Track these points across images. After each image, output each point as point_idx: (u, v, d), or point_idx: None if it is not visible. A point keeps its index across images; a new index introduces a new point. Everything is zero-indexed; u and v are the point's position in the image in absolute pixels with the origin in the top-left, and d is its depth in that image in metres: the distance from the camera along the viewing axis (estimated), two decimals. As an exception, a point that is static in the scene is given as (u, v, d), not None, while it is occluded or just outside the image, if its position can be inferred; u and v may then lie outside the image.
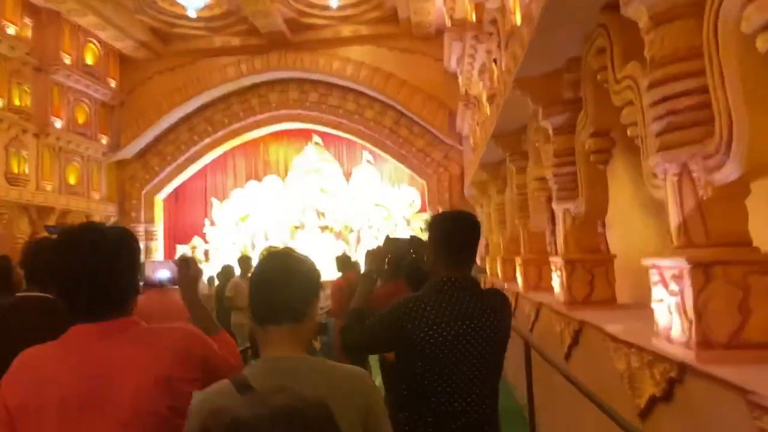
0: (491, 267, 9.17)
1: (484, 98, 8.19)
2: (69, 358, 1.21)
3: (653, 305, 2.35)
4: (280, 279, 1.31)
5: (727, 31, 1.89)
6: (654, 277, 2.35)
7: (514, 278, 6.87)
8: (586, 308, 3.71)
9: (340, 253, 7.67)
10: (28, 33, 11.42)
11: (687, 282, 2.05)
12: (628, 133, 2.86)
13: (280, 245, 15.34)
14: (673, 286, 2.17)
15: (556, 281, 4.17)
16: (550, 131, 4.19)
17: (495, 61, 6.74)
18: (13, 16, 10.65)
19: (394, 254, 2.96)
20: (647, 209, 4.00)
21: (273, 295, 1.30)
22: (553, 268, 4.12)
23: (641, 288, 3.93)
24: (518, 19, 4.86)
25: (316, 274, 1.38)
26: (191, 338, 1.34)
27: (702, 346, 2.00)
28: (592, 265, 3.81)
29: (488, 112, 7.72)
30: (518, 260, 6.19)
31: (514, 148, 6.32)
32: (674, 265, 2.13)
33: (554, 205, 4.20)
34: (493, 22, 6.74)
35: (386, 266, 3.09)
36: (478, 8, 7.05)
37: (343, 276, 6.16)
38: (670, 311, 2.22)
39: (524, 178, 6.14)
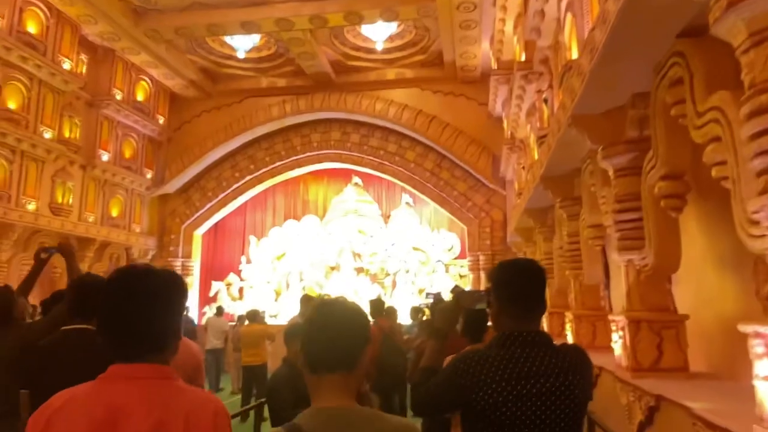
0: None
1: (532, 140, 7.93)
2: (89, 401, 1.22)
3: (756, 383, 1.95)
4: (335, 327, 1.34)
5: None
6: (758, 347, 1.94)
7: (562, 334, 6.43)
8: (655, 376, 3.30)
9: (374, 297, 7.30)
10: (83, 68, 11.86)
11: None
12: (713, 173, 2.48)
13: (315, 286, 15.27)
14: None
15: (618, 342, 3.76)
16: (611, 173, 3.88)
17: (545, 101, 6.46)
18: (69, 51, 11.08)
19: (467, 311, 2.85)
20: (724, 264, 3.55)
21: (329, 343, 1.33)
22: (613, 327, 3.77)
23: (716, 355, 3.54)
24: (574, 53, 4.54)
25: (367, 322, 1.42)
26: (214, 415, 1.26)
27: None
28: (661, 327, 3.45)
29: (536, 155, 7.45)
30: (569, 315, 5.75)
31: (565, 193, 5.96)
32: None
33: (615, 255, 3.82)
34: (544, 61, 6.50)
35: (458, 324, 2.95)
36: (528, 47, 6.80)
37: (375, 322, 5.79)
38: (783, 393, 1.82)
39: (576, 225, 5.77)
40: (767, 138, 1.88)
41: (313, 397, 1.34)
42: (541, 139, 6.12)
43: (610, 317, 3.96)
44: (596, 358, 4.28)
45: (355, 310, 1.41)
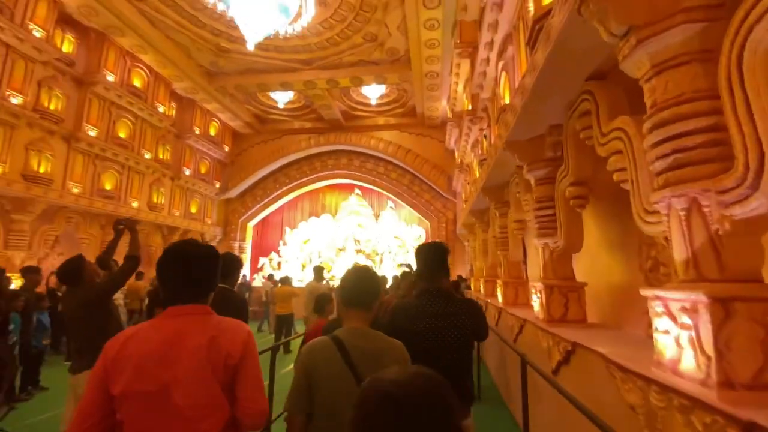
0: (475, 285, 8.35)
1: (475, 164, 7.59)
2: (159, 327, 1.17)
3: (656, 335, 1.57)
4: (363, 282, 1.48)
5: (756, 61, 1.33)
6: (657, 308, 1.56)
7: (494, 295, 6.16)
8: (564, 326, 2.98)
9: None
10: (173, 112, 11.34)
11: (705, 317, 1.35)
12: (615, 177, 2.17)
13: (329, 261, 14.84)
14: (685, 320, 1.41)
15: (536, 302, 3.40)
16: (533, 182, 3.52)
17: (485, 136, 6.12)
18: (163, 100, 10.58)
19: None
20: (612, 247, 3.24)
21: (359, 291, 1.46)
22: (532, 290, 3.40)
23: (605, 312, 3.19)
24: (507, 100, 4.23)
25: (379, 281, 1.52)
26: (247, 335, 1.22)
27: (724, 386, 1.24)
28: (567, 290, 3.12)
29: (477, 174, 7.12)
30: (499, 282, 5.40)
31: (498, 198, 5.62)
32: (686, 298, 1.42)
33: (535, 241, 3.47)
34: (485, 109, 6.17)
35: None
36: (474, 99, 6.49)
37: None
38: (679, 344, 1.44)
39: (505, 221, 5.43)
40: (665, 145, 1.58)
41: (346, 321, 1.45)
42: (482, 162, 5.81)
43: (531, 284, 3.62)
44: (519, 312, 4.01)
45: (374, 273, 1.53)
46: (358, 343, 1.39)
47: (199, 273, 1.22)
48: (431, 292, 1.77)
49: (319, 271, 6.51)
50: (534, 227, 3.53)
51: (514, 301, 5.02)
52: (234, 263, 2.47)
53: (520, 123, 3.31)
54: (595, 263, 3.45)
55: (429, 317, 1.69)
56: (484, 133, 6.01)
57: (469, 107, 6.73)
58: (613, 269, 3.20)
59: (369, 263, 13.77)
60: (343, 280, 1.51)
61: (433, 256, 1.83)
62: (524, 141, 3.56)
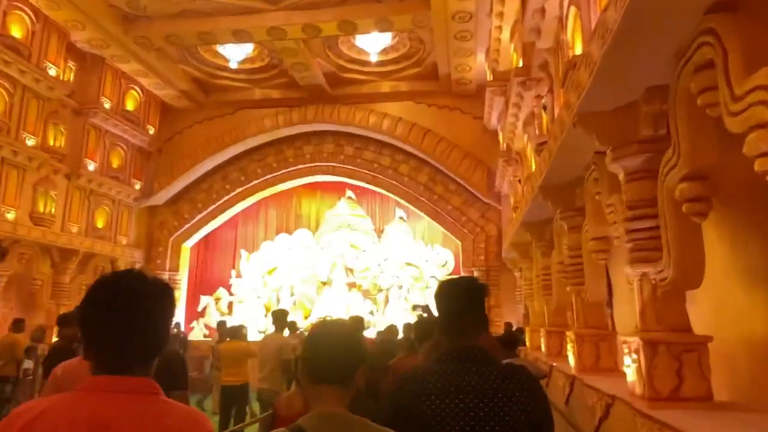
0: (531, 339, 8.27)
1: (529, 151, 7.57)
2: (74, 408, 1.15)
3: None
4: (338, 346, 1.53)
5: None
6: None
7: (562, 355, 6.11)
8: (675, 406, 2.91)
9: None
10: (70, 76, 11.45)
11: None
12: (757, 166, 2.09)
13: (306, 302, 14.81)
14: None
15: (631, 367, 3.31)
16: (622, 177, 3.47)
17: (544, 107, 6.06)
18: (56, 58, 10.67)
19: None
20: (752, 278, 3.17)
21: (330, 361, 1.52)
22: (625, 349, 3.33)
23: (742, 383, 3.25)
24: (578, 50, 4.13)
25: (363, 345, 1.61)
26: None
27: None
28: (681, 350, 3.03)
29: (533, 165, 7.06)
30: (570, 335, 5.31)
31: (565, 203, 5.54)
32: None
33: (627, 269, 3.40)
34: (544, 66, 6.12)
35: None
36: (527, 52, 6.44)
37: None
38: None
39: (578, 238, 5.38)
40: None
41: (312, 404, 1.51)
42: (540, 146, 5.73)
43: (621, 338, 3.50)
44: (604, 384, 3.93)
45: (353, 333, 1.59)
46: None
47: (147, 323, 1.20)
48: (460, 354, 1.73)
49: (280, 317, 6.41)
50: (625, 248, 3.44)
51: (595, 365, 4.92)
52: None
53: (599, 83, 3.21)
54: (724, 305, 3.39)
55: (455, 395, 1.65)
56: (543, 102, 5.96)
57: (520, 63, 6.70)
58: (755, 314, 3.12)
59: (367, 305, 14.10)
60: (309, 342, 1.56)
61: (463, 297, 1.82)
62: (607, 112, 3.46)
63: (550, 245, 7.05)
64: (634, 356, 3.18)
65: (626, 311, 5.61)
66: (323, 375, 1.51)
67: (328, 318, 2.01)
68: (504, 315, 12.06)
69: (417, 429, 1.61)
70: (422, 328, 3.86)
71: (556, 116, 4.78)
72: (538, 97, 6.24)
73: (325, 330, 1.58)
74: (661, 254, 3.14)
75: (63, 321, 4.39)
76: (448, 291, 1.85)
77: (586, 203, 4.93)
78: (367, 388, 2.83)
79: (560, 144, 4.36)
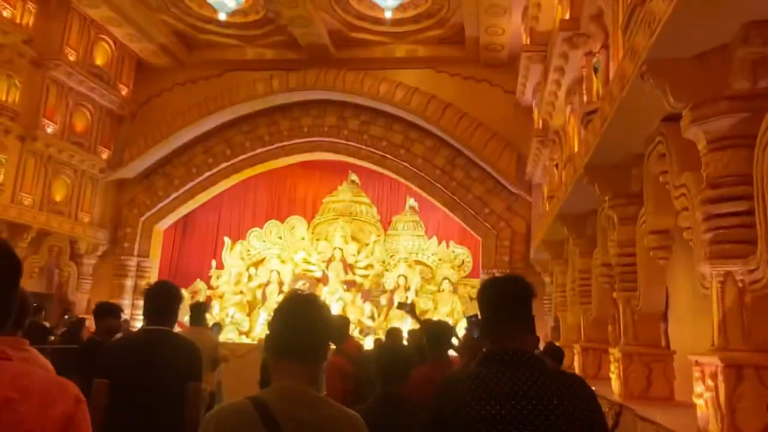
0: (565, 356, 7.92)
1: (572, 127, 7.18)
2: None
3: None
4: (302, 317, 1.73)
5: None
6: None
7: (602, 377, 6.05)
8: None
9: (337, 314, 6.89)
10: (30, 20, 11.11)
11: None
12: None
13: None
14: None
15: (706, 396, 3.10)
16: (702, 145, 3.17)
17: (596, 69, 5.60)
18: (12, -4, 10.36)
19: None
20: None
21: (295, 331, 1.71)
22: (696, 373, 3.09)
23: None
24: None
25: (331, 322, 1.89)
26: (66, 415, 1.27)
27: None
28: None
29: (576, 145, 6.67)
30: (615, 353, 5.01)
31: (617, 188, 5.18)
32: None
33: (704, 267, 3.09)
34: (597, 16, 5.65)
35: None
36: (575, 1, 5.98)
37: (338, 351, 4.87)
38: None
39: (631, 232, 5.04)
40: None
41: (275, 378, 1.71)
42: (588, 116, 5.30)
43: (692, 358, 3.07)
44: (661, 416, 3.52)
45: (319, 306, 1.81)
46: (294, 412, 1.60)
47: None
48: (507, 357, 1.83)
49: (197, 310, 5.97)
50: (702, 240, 3.07)
51: (645, 391, 4.62)
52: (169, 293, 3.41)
53: (682, 16, 2.75)
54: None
55: (506, 400, 1.74)
56: (595, 61, 5.49)
57: (567, 16, 6.23)
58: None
59: (367, 308, 13.81)
60: (274, 316, 1.76)
61: (509, 297, 1.94)
62: (687, 59, 3.06)
63: (591, 243, 6.77)
64: (710, 383, 2.85)
65: (686, 327, 5.30)
66: (287, 349, 1.68)
67: (294, 291, 2.05)
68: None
69: None
70: (436, 334, 3.99)
71: (613, 75, 4.34)
72: (589, 54, 5.76)
73: (291, 305, 1.77)
74: (755, 248, 2.74)
75: None
76: (493, 290, 1.98)
77: (646, 187, 4.59)
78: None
79: (618, 106, 3.91)
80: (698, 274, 3.17)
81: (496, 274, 11.85)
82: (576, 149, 6.69)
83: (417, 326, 6.31)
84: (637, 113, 3.90)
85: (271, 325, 1.74)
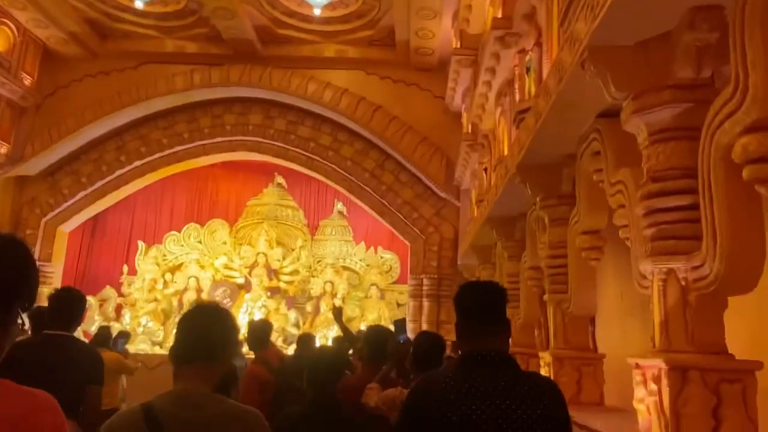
0: None
1: (502, 129, 7.18)
2: None
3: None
4: (200, 325, 1.89)
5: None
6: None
7: None
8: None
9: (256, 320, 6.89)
10: None
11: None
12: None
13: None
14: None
15: (647, 402, 2.94)
16: (643, 137, 3.09)
17: (528, 68, 5.53)
18: None
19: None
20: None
21: (196, 341, 1.87)
22: (637, 377, 3.02)
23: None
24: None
25: (233, 324, 1.99)
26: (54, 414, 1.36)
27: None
28: (719, 379, 2.72)
29: (506, 148, 6.66)
30: (545, 357, 5.03)
31: (549, 189, 5.12)
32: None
33: (644, 265, 3.00)
34: (529, 15, 5.60)
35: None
36: (507, 2, 5.92)
37: (258, 359, 4.77)
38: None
39: (562, 233, 5.01)
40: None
41: (175, 381, 1.84)
42: (521, 115, 5.21)
43: (631, 361, 2.94)
44: (598, 421, 3.41)
45: (220, 314, 1.96)
46: (179, 413, 1.72)
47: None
48: (482, 357, 1.93)
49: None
50: (643, 237, 2.96)
51: (575, 396, 4.55)
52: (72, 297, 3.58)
53: (623, 3, 2.58)
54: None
55: (482, 399, 1.81)
56: (528, 59, 5.41)
57: (499, 14, 6.16)
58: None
59: (291, 315, 13.56)
60: (178, 326, 1.95)
61: (486, 300, 2.07)
62: (629, 47, 2.95)
63: (520, 246, 6.79)
64: (653, 386, 2.71)
65: (615, 330, 5.30)
66: (185, 356, 1.81)
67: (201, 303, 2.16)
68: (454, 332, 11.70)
69: None
70: (378, 340, 4.06)
71: (549, 69, 4.24)
72: (522, 52, 5.72)
73: (190, 315, 1.94)
74: (699, 243, 2.65)
75: None
76: (471, 293, 2.12)
77: (578, 186, 4.56)
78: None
79: (554, 100, 3.77)
80: (636, 273, 3.06)
81: (424, 280, 12.14)
82: (506, 152, 6.66)
83: (342, 333, 6.16)
84: (574, 108, 3.79)
85: (177, 332, 1.92)
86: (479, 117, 8.53)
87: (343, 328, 5.94)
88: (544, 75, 4.75)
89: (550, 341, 5.09)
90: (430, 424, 1.79)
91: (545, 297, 5.13)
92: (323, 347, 4.41)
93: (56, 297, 3.48)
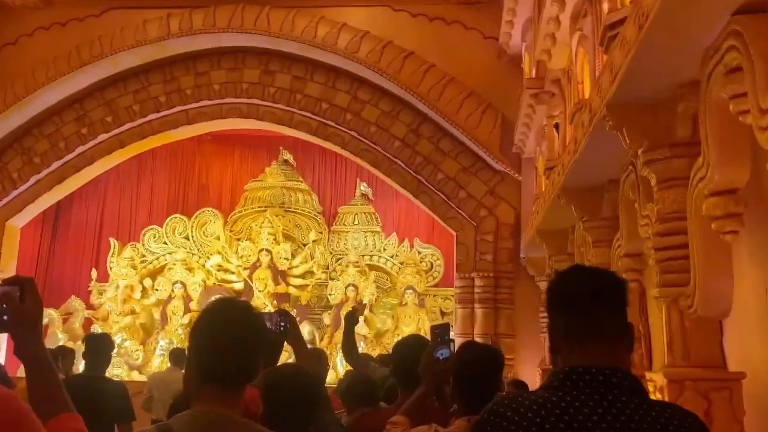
0: None
1: (580, 63, 6.96)
2: None
3: None
4: (229, 335, 1.97)
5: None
6: None
7: None
8: None
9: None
10: None
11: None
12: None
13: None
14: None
15: None
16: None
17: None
18: None
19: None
20: None
21: (226, 357, 1.96)
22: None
23: None
24: None
25: (265, 331, 2.16)
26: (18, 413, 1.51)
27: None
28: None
29: (586, 90, 6.58)
30: (658, 379, 4.71)
31: (656, 137, 4.68)
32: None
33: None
34: None
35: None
36: None
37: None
38: None
39: (680, 196, 4.61)
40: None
41: (195, 402, 1.97)
42: (611, 31, 4.97)
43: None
44: None
45: (251, 316, 2.09)
46: None
47: None
48: (591, 377, 1.80)
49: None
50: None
51: None
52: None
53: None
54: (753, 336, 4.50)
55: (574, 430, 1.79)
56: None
57: None
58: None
59: (304, 329, 13.55)
60: (197, 328, 2.04)
61: (595, 295, 1.91)
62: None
63: (610, 226, 6.73)
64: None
65: (754, 339, 5.07)
66: (214, 376, 1.94)
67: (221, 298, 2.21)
68: (519, 350, 11.77)
69: None
70: (406, 355, 3.75)
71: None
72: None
73: (214, 315, 2.04)
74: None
75: None
76: (572, 285, 1.97)
77: (704, 125, 4.22)
78: None
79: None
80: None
81: (476, 280, 11.77)
82: (587, 94, 6.37)
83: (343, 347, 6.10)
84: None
85: (196, 340, 2.01)
86: (547, 52, 8.14)
87: (348, 342, 5.44)
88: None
89: (655, 357, 5.30)
90: None
91: (654, 293, 4.90)
92: (298, 370, 3.91)
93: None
